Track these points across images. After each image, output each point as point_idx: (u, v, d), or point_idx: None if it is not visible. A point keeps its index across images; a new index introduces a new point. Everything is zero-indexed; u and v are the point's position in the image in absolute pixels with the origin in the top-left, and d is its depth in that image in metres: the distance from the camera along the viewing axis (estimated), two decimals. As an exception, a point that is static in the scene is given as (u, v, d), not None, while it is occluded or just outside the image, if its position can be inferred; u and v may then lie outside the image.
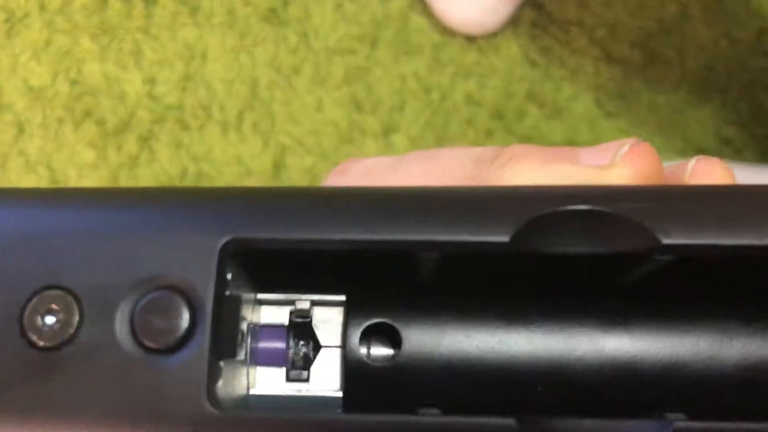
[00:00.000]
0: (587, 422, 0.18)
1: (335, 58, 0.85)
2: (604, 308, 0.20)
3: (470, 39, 0.86)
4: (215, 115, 0.84)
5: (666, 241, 0.18)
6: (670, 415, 0.17)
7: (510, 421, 0.17)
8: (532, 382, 0.20)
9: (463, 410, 0.19)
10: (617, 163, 0.20)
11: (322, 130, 0.84)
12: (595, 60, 0.86)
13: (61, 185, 0.82)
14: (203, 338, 0.18)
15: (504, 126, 0.84)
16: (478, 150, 0.22)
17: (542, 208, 0.18)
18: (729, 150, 0.84)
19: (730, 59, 0.85)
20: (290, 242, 0.18)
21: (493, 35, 0.86)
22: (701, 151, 0.84)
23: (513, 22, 0.86)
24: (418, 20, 0.86)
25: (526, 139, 0.83)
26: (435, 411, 0.18)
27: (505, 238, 0.18)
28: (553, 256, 0.18)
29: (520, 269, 0.20)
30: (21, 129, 0.83)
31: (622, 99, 0.85)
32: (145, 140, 0.83)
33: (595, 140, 0.84)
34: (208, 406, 0.17)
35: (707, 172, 0.21)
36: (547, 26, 0.87)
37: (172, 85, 0.84)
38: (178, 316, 0.18)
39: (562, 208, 0.18)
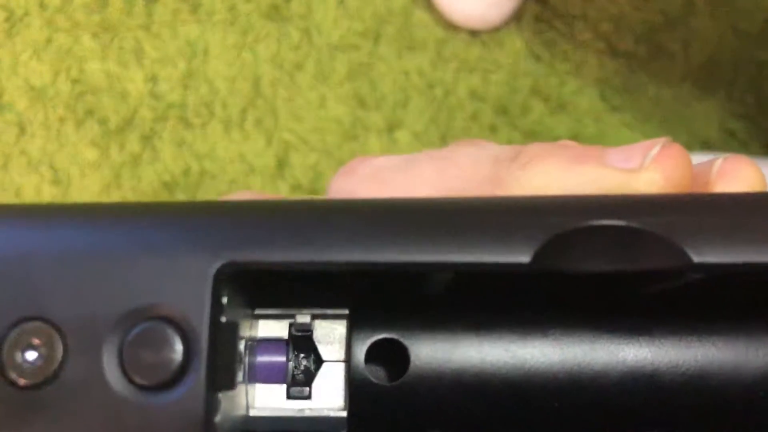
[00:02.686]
0: None
1: (338, 55, 0.85)
2: (623, 319, 0.20)
3: (474, 34, 0.85)
4: (218, 112, 0.83)
5: (697, 259, 0.16)
6: None
7: None
8: (549, 399, 0.19)
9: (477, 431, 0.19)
10: (648, 167, 0.19)
11: (326, 127, 0.83)
12: (600, 54, 0.85)
13: (64, 185, 0.82)
14: (199, 372, 0.16)
15: (508, 121, 0.84)
16: (495, 149, 0.21)
17: (566, 223, 0.17)
18: (734, 143, 0.84)
19: (735, 52, 0.85)
20: (290, 264, 0.17)
21: (496, 30, 0.85)
22: (707, 144, 0.84)
23: (517, 16, 0.86)
24: (421, 15, 0.86)
25: (531, 133, 0.83)
26: None
27: (525, 259, 0.17)
28: (576, 274, 0.17)
29: (537, 283, 0.19)
30: (22, 129, 0.83)
31: (627, 93, 0.84)
32: (147, 139, 0.83)
33: (600, 134, 0.83)
34: None
35: (734, 170, 0.20)
36: (551, 20, 0.86)
37: (174, 83, 0.84)
38: (171, 349, 0.16)
39: (586, 224, 0.17)
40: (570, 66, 0.85)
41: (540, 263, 0.17)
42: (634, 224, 0.17)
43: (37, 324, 0.17)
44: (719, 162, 0.20)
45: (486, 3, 0.83)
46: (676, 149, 0.19)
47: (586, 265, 0.17)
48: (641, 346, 0.19)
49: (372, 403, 0.19)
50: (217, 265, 0.17)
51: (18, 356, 0.16)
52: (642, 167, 0.19)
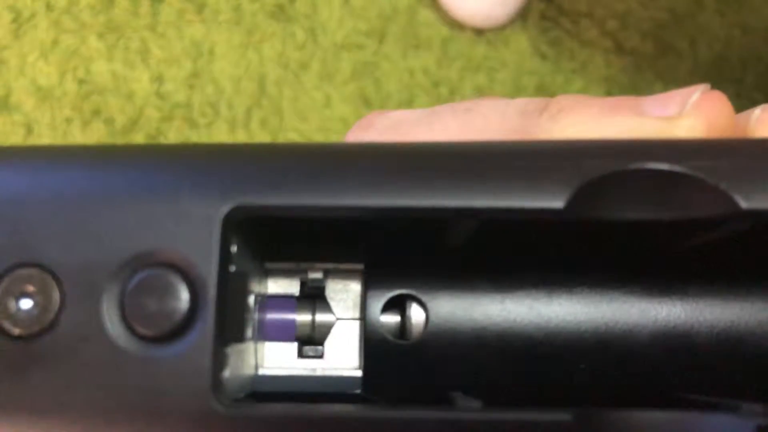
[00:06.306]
0: (653, 415, 0.15)
1: (343, 54, 0.85)
2: (656, 276, 0.18)
3: (479, 32, 0.85)
4: (223, 112, 0.84)
5: (746, 206, 0.15)
6: (747, 406, 0.15)
7: (566, 416, 0.14)
8: (575, 360, 0.18)
9: (496, 393, 0.18)
10: (688, 113, 0.17)
11: (331, 126, 0.83)
12: (606, 52, 0.85)
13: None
14: (206, 323, 0.15)
15: (514, 120, 0.84)
16: (522, 101, 0.20)
17: (602, 166, 0.15)
18: (744, 141, 0.83)
19: (743, 49, 0.84)
20: (304, 209, 0.15)
21: (502, 28, 0.85)
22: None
23: (522, 14, 0.85)
24: (426, 14, 0.85)
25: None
26: (476, 403, 0.16)
27: (558, 204, 0.15)
28: (611, 223, 0.16)
29: (564, 237, 0.18)
30: (30, 129, 0.83)
31: (633, 91, 0.84)
32: (153, 139, 0.83)
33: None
34: (213, 402, 0.15)
35: None
36: (556, 18, 0.86)
37: (179, 83, 0.84)
38: (176, 297, 0.15)
39: (625, 168, 0.15)
40: (576, 64, 0.84)
41: (574, 210, 0.15)
42: (677, 168, 0.15)
43: (32, 270, 0.15)
44: (758, 111, 0.19)
45: (491, 1, 0.83)
46: (718, 95, 0.18)
47: (624, 212, 0.15)
48: (674, 304, 0.18)
49: (388, 362, 0.18)
50: (226, 208, 0.15)
51: (11, 304, 0.15)
52: (681, 114, 0.18)
